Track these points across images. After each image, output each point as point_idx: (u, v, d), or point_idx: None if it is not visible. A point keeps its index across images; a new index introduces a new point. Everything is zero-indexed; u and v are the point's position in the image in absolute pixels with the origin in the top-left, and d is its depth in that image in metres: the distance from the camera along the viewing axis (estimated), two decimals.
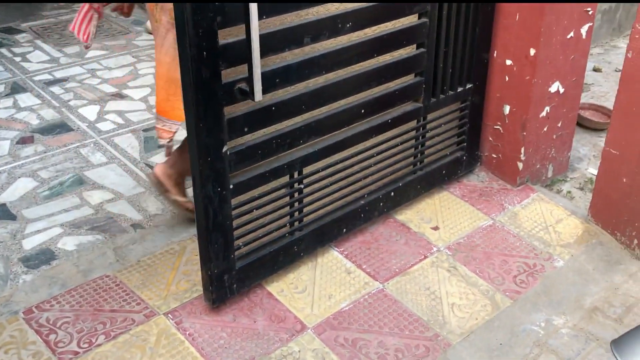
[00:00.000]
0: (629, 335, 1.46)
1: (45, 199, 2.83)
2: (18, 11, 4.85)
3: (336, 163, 2.41)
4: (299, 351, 2.12)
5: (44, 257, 2.48)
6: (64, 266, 2.44)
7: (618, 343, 1.45)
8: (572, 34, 2.73)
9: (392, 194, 2.67)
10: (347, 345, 2.15)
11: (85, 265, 2.44)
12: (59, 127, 3.37)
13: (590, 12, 2.75)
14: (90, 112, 3.54)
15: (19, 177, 2.97)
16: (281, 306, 2.29)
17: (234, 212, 2.13)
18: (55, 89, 3.77)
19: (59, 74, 3.96)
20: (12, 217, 2.70)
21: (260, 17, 1.80)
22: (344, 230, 2.54)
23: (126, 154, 3.16)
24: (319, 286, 2.38)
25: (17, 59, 4.14)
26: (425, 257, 2.54)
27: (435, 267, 2.48)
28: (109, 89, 3.79)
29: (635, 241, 2.60)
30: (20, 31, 4.59)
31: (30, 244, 2.56)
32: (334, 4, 2.13)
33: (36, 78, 3.89)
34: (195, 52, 1.81)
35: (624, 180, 2.59)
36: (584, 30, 2.77)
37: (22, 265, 2.44)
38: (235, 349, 2.11)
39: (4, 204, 2.79)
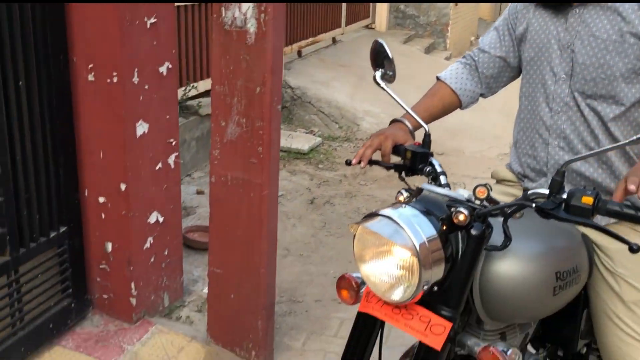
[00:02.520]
0: None
1: None
2: None
3: None
4: None
5: None
6: None
7: None
8: (160, 165, 2.79)
9: None
10: None
11: None
12: None
13: (173, 143, 2.86)
14: None
15: None
16: None
17: None
18: None
19: None
20: None
21: None
22: None
23: None
24: None
25: None
26: None
27: None
28: None
29: (254, 353, 2.69)
30: None
31: None
32: None
33: None
34: None
35: (232, 296, 2.68)
36: (171, 160, 2.87)
37: None
38: None
39: None
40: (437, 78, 1.96)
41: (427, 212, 1.36)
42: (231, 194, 2.57)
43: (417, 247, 1.29)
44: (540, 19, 1.79)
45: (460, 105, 1.94)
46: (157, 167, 2.78)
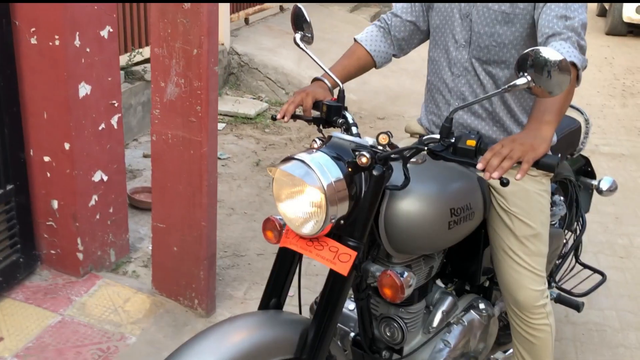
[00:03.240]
0: None
1: None
2: None
3: None
4: None
5: None
6: None
7: None
8: (103, 125, 2.91)
9: None
10: None
11: None
12: None
13: (116, 105, 2.98)
14: None
15: None
16: None
17: None
18: None
19: None
20: None
21: None
22: None
23: None
24: None
25: None
26: None
27: None
28: None
29: (196, 301, 2.86)
30: None
31: None
32: None
33: None
34: None
35: (175, 249, 2.84)
36: (114, 121, 2.98)
37: None
38: None
39: None
40: (354, 40, 2.13)
41: (336, 157, 1.54)
42: (172, 151, 2.72)
43: (325, 187, 1.47)
44: None
45: (375, 64, 2.12)
46: (100, 128, 2.90)
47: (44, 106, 2.72)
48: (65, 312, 2.73)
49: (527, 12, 1.83)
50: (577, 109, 2.55)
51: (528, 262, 1.95)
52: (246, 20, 7.65)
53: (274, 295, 1.70)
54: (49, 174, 2.82)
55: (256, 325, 1.58)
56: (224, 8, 6.42)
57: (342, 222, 1.54)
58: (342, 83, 1.93)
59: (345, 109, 1.82)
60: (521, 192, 1.93)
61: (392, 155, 1.56)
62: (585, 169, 2.71)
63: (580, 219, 2.65)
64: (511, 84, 1.43)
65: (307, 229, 1.54)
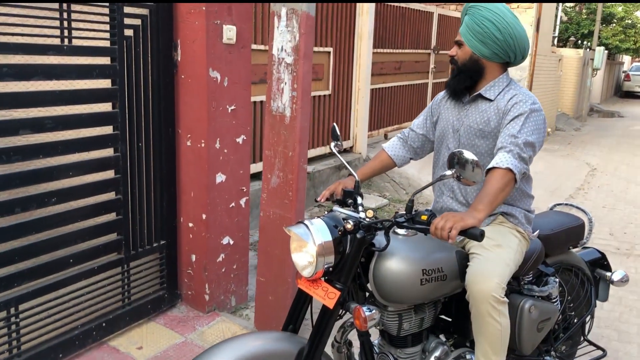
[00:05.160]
0: None
1: None
2: None
3: (52, 300, 2.72)
4: None
5: None
6: None
7: None
8: (233, 204, 3.46)
9: (104, 324, 3.00)
10: None
11: None
12: None
13: (244, 190, 3.52)
14: None
15: None
16: None
17: None
18: None
19: None
20: None
21: None
22: (60, 355, 2.79)
23: None
24: None
25: None
26: None
27: None
28: None
29: None
30: None
31: None
32: None
33: None
34: None
35: (270, 298, 3.22)
36: (242, 202, 3.52)
37: None
38: None
39: None
40: (382, 148, 2.48)
41: (332, 224, 1.87)
42: (272, 224, 3.16)
43: (316, 244, 1.80)
44: (447, 110, 2.28)
45: (395, 165, 2.44)
46: (230, 205, 3.44)
47: (191, 187, 3.33)
48: (189, 336, 3.20)
49: (498, 131, 2.08)
50: (583, 211, 2.62)
51: (491, 258, 2.05)
52: (385, 136, 8.19)
53: (291, 322, 2.01)
54: (191, 236, 3.39)
55: (269, 339, 1.90)
56: (361, 125, 7.01)
57: (330, 269, 1.84)
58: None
59: (359, 194, 2.15)
60: (495, 230, 2.12)
61: (372, 224, 1.85)
62: (602, 263, 2.71)
63: (590, 303, 2.64)
64: (442, 174, 1.71)
65: (307, 273, 1.86)
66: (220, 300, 3.51)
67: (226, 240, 3.47)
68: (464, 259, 2.10)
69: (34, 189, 2.58)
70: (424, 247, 2.02)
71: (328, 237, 1.83)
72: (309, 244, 1.83)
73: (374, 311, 1.82)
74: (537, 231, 2.31)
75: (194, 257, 3.41)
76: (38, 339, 2.69)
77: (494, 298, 1.98)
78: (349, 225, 1.83)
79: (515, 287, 2.30)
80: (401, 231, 2.03)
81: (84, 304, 2.89)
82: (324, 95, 6.41)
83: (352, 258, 1.85)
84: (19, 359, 2.60)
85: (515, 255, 2.11)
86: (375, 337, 2.23)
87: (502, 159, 1.89)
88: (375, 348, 2.15)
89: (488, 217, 2.15)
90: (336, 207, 1.98)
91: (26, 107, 2.53)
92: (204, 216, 3.31)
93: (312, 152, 6.28)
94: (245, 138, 3.47)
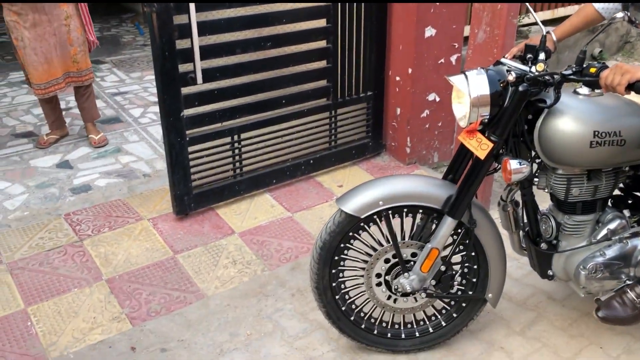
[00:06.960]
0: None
1: (93, 159, 3.72)
2: (106, 50, 5.91)
3: (267, 134, 3.18)
4: (226, 244, 2.87)
5: (84, 188, 3.35)
6: (95, 194, 3.30)
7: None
8: (442, 60, 3.43)
9: (312, 161, 3.40)
10: (257, 243, 2.88)
11: (108, 194, 3.29)
12: (114, 120, 4.30)
13: (456, 46, 3.44)
14: (136, 112, 4.45)
15: (81, 146, 3.88)
16: (222, 221, 3.05)
17: (190, 156, 2.93)
18: (118, 98, 4.72)
19: (122, 89, 4.92)
20: (70, 167, 3.59)
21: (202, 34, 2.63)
22: (274, 181, 3.29)
23: (153, 137, 4.03)
24: (250, 212, 3.13)
25: (97, 79, 5.14)
26: (326, 201, 3.25)
27: (330, 207, 3.19)
28: (153, 99, 4.71)
29: None
30: (104, 62, 5.62)
31: (77, 181, 3.44)
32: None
33: (107, 91, 4.87)
34: (159, 53, 2.64)
35: None
36: (452, 59, 3.46)
37: (69, 192, 3.31)
38: (186, 239, 2.89)
39: (67, 160, 3.69)
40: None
41: (494, 76, 1.80)
42: None
43: (471, 96, 1.77)
44: None
45: (602, 19, 2.11)
46: (439, 62, 3.42)
47: (399, 42, 3.38)
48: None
49: None
50: None
51: None
52: None
53: (450, 172, 2.06)
54: (397, 89, 3.50)
55: (429, 183, 2.01)
56: None
57: (485, 121, 1.81)
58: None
59: (544, 50, 1.93)
60: None
61: (538, 77, 1.73)
62: None
63: None
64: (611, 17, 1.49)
65: (463, 123, 1.86)
66: (422, 155, 3.64)
67: (432, 96, 3.50)
68: None
69: (253, 32, 2.93)
70: (603, 108, 1.81)
71: (485, 89, 1.77)
72: (465, 95, 1.81)
73: (523, 165, 1.76)
74: None
75: (398, 110, 3.54)
76: (256, 164, 3.21)
77: None
78: (511, 78, 1.74)
79: None
80: (583, 90, 1.84)
81: (295, 141, 3.30)
82: None
83: (511, 111, 1.78)
84: (241, 177, 3.16)
85: None
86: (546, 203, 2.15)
87: None
88: (545, 210, 2.08)
89: None
90: (504, 59, 1.88)
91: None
92: (409, 70, 3.37)
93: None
94: None
